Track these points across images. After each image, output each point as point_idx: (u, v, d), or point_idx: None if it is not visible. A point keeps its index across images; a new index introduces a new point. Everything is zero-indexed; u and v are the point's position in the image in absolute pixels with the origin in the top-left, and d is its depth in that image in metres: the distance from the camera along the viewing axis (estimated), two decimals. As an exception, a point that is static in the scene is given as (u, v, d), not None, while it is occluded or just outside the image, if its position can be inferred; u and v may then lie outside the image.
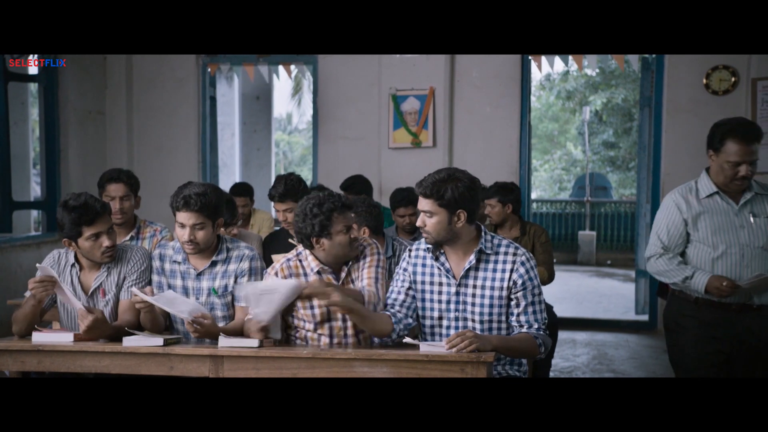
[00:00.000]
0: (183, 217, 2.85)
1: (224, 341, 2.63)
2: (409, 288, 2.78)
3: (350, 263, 2.86)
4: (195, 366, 2.58)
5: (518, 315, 2.67)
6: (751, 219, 2.94)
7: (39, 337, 2.73)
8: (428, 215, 2.64)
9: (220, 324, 2.91)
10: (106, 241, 2.88)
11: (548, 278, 4.19)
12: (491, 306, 2.68)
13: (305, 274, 2.81)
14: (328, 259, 2.80)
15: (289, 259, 2.85)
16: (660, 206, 3.14)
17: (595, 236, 12.75)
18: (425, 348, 2.51)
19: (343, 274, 2.83)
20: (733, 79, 5.61)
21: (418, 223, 2.70)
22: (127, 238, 3.62)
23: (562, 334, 6.10)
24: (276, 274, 2.82)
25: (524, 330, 2.66)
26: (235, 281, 2.94)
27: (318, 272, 2.80)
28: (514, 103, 5.95)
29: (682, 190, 3.06)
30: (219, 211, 2.92)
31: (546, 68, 5.63)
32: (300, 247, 2.86)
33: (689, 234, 3.01)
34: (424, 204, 2.65)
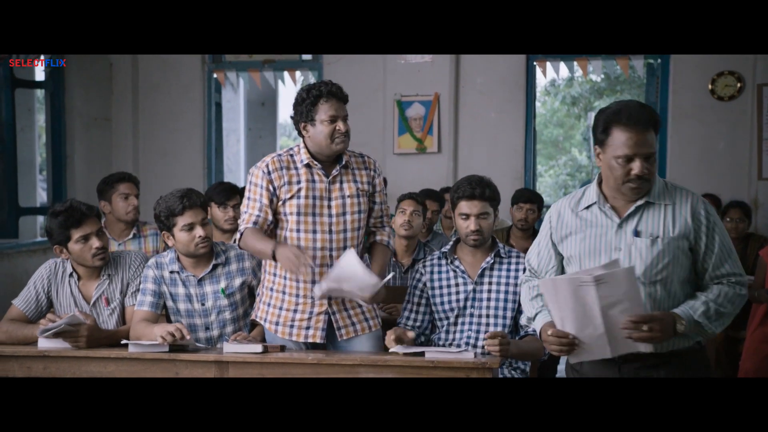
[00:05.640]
0: (191, 215, 2.85)
1: (229, 347, 2.64)
2: (426, 305, 2.92)
3: (345, 165, 2.79)
4: (200, 371, 2.59)
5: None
6: (630, 238, 2.23)
7: (45, 343, 2.74)
8: (485, 216, 2.84)
9: (230, 327, 2.92)
10: (96, 243, 2.86)
11: None
12: (506, 301, 2.84)
13: (295, 168, 2.77)
14: (314, 149, 2.76)
15: (280, 154, 2.80)
16: None
17: (601, 242, 12.68)
18: (431, 354, 2.52)
19: (334, 172, 2.76)
20: (738, 84, 5.60)
21: (474, 227, 2.81)
22: (130, 236, 3.74)
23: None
24: (267, 166, 2.76)
25: (530, 330, 2.77)
26: (242, 281, 2.95)
27: (307, 165, 2.75)
28: (518, 108, 5.95)
29: (565, 199, 2.41)
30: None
31: (551, 74, 5.58)
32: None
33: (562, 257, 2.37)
34: (483, 206, 2.82)
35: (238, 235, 2.79)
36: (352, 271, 2.59)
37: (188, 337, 2.66)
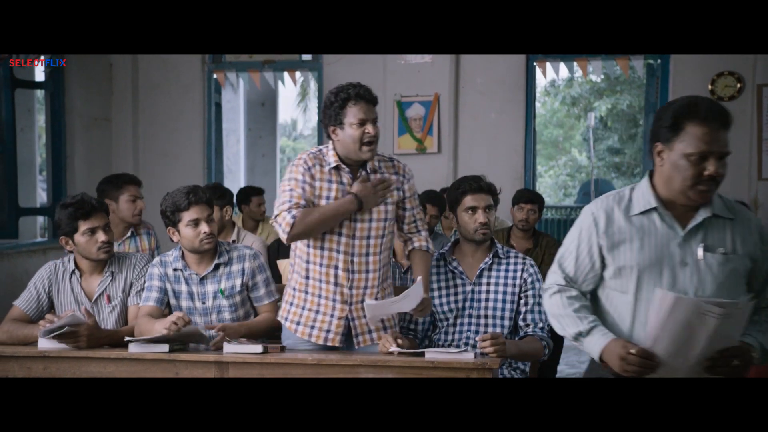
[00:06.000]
0: (196, 211, 2.86)
1: (229, 347, 2.65)
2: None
3: (374, 170, 2.76)
4: (200, 372, 2.59)
5: (525, 313, 2.81)
6: (700, 253, 2.01)
7: (45, 344, 2.74)
8: (491, 209, 2.87)
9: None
10: (102, 236, 2.89)
11: None
12: (504, 302, 2.83)
13: (326, 167, 2.73)
14: (343, 153, 2.71)
15: (312, 152, 2.76)
16: (577, 219, 2.21)
17: (601, 242, 12.68)
18: (431, 354, 2.51)
19: (363, 174, 2.73)
20: (738, 85, 5.60)
21: (483, 219, 2.82)
22: (128, 234, 3.81)
23: (568, 341, 6.08)
24: (305, 162, 2.71)
25: (530, 330, 2.80)
26: (242, 282, 2.95)
27: (335, 167, 2.72)
28: (518, 109, 5.96)
29: (610, 199, 2.14)
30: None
31: (551, 74, 5.57)
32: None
33: (605, 265, 2.12)
34: (488, 199, 2.86)
35: (290, 219, 2.62)
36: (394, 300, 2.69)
37: (190, 323, 2.67)
